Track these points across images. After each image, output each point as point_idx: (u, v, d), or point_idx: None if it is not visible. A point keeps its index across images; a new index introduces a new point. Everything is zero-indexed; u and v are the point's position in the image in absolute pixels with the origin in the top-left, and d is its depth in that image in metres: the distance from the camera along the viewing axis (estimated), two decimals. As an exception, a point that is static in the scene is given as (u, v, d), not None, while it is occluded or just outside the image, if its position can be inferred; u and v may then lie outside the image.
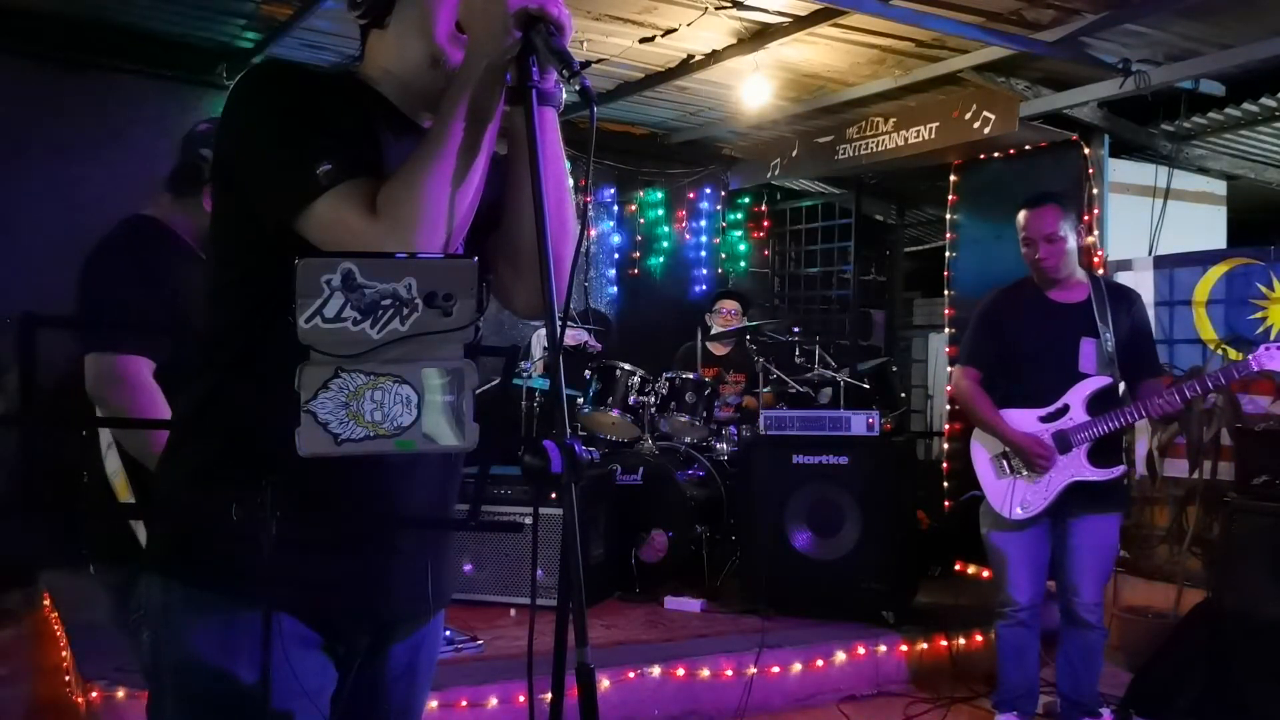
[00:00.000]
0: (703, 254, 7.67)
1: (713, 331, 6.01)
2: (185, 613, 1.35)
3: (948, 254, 6.16)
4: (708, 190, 7.59)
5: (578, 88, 1.22)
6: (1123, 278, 4.95)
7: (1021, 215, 3.67)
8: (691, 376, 5.40)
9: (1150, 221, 5.52)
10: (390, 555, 1.44)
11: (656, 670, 3.87)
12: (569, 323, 1.27)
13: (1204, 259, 5.04)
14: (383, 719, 1.51)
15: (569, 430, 1.19)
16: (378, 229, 1.27)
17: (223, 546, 1.33)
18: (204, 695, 1.34)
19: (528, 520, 3.98)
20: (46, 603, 4.72)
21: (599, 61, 5.38)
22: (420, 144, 1.33)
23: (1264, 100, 5.02)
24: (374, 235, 1.27)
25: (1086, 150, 5.38)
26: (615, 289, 7.42)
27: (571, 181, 1.49)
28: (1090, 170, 5.37)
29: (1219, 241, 5.94)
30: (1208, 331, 4.94)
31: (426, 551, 1.48)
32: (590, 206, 7.13)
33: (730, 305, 6.14)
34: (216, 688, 1.32)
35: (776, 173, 6.91)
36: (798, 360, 5.75)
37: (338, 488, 1.37)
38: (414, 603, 1.49)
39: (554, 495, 1.14)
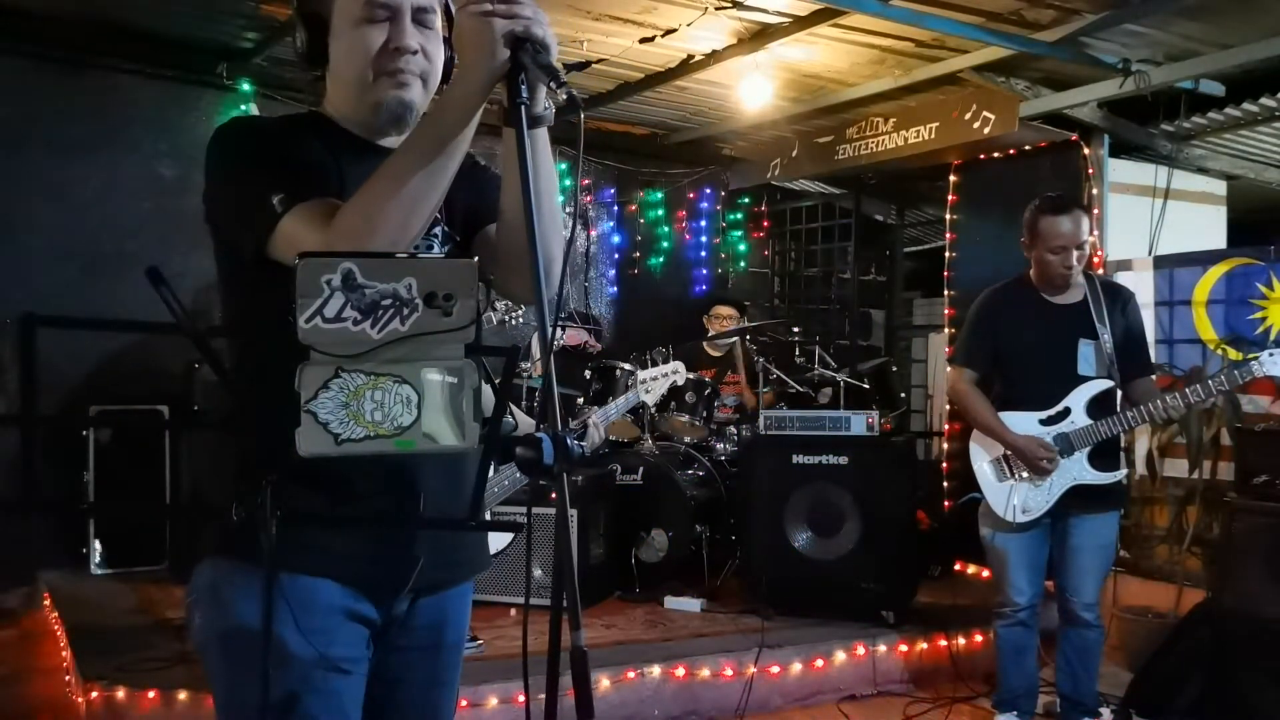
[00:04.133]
0: (703, 254, 7.67)
1: (709, 334, 6.01)
2: (231, 586, 1.50)
3: (948, 254, 6.15)
4: (708, 190, 7.59)
5: (564, 98, 1.30)
6: (1123, 278, 4.95)
7: (1050, 221, 3.54)
8: (691, 376, 5.40)
9: (1150, 221, 5.51)
10: (416, 521, 1.55)
11: (656, 670, 3.87)
12: (569, 323, 1.30)
13: (1204, 259, 5.04)
14: (411, 689, 1.64)
15: (560, 424, 1.26)
16: (326, 243, 1.38)
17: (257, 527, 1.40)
18: (250, 654, 1.42)
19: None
20: (46, 603, 4.73)
21: (599, 61, 5.38)
22: (387, 160, 1.44)
23: (1264, 100, 5.01)
24: (323, 247, 1.37)
25: (1086, 150, 5.38)
26: (615, 289, 7.41)
27: (570, 183, 1.56)
28: (1090, 170, 5.36)
29: (1219, 241, 5.94)
30: (1207, 331, 4.93)
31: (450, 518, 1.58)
32: (590, 207, 7.13)
33: (726, 311, 6.14)
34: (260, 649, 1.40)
35: (776, 173, 6.90)
36: (798, 360, 5.75)
37: (354, 468, 1.47)
38: (444, 564, 1.59)
39: (551, 494, 1.15)
